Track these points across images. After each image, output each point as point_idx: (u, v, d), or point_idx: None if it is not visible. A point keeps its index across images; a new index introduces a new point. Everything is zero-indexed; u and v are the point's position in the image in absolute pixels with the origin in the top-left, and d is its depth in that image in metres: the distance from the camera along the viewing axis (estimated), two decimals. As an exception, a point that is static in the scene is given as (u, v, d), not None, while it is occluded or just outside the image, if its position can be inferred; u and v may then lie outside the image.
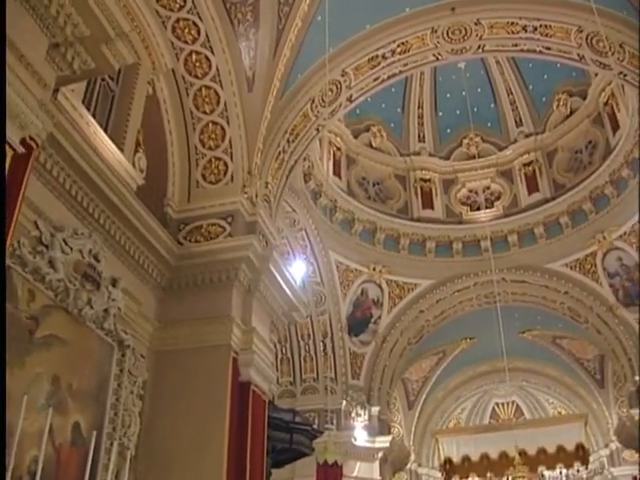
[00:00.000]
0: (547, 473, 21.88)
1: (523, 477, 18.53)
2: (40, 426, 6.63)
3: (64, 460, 7.18)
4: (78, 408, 7.54)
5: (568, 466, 20.06)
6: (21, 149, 5.44)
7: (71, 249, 7.65)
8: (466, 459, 19.27)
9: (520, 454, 18.32)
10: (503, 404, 28.71)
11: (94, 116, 8.81)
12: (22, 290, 6.90)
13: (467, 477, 19.93)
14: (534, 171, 20.21)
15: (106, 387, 8.17)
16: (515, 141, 20.70)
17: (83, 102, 8.60)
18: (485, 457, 19.15)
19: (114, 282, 8.39)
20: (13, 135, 5.34)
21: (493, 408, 29.10)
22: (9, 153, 5.30)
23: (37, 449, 6.50)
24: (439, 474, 21.86)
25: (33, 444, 6.55)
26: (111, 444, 7.86)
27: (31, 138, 5.64)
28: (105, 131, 9.00)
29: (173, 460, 8.76)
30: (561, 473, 21.49)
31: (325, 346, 19.23)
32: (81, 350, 7.76)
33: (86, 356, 7.87)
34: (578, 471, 21.39)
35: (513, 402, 28.68)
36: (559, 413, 27.53)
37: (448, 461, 19.53)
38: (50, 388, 7.10)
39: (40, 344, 7.04)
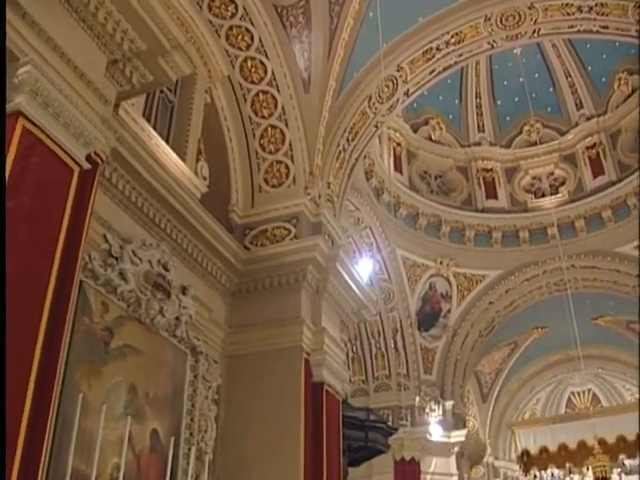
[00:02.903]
0: (628, 462, 21.46)
1: (603, 466, 18.18)
2: (120, 434, 6.75)
3: (144, 466, 7.29)
4: (155, 415, 7.65)
5: (649, 454, 19.62)
6: (87, 165, 5.55)
7: (140, 260, 7.75)
8: (544, 450, 18.94)
9: (599, 443, 17.98)
10: (579, 393, 28.28)
11: (155, 128, 8.95)
12: (95, 303, 7.02)
13: (545, 469, 19.66)
14: (598, 154, 19.79)
15: (181, 393, 8.27)
16: (577, 124, 20.27)
17: (143, 115, 8.76)
18: (563, 447, 18.74)
19: (184, 290, 8.46)
20: (78, 152, 5.46)
21: (569, 397, 28.73)
22: (76, 170, 5.43)
23: (118, 456, 6.62)
24: (517, 466, 21.58)
25: (114, 452, 6.68)
26: (189, 449, 7.98)
27: (96, 154, 5.75)
28: (167, 142, 9.13)
29: (250, 463, 8.84)
30: (642, 461, 21.05)
31: (396, 343, 19.21)
32: (155, 358, 7.88)
33: (160, 364, 7.98)
34: (660, 458, 20.90)
35: (589, 390, 28.23)
36: (637, 399, 26.97)
37: (525, 453, 19.26)
38: (127, 397, 7.21)
39: (115, 354, 7.16)
